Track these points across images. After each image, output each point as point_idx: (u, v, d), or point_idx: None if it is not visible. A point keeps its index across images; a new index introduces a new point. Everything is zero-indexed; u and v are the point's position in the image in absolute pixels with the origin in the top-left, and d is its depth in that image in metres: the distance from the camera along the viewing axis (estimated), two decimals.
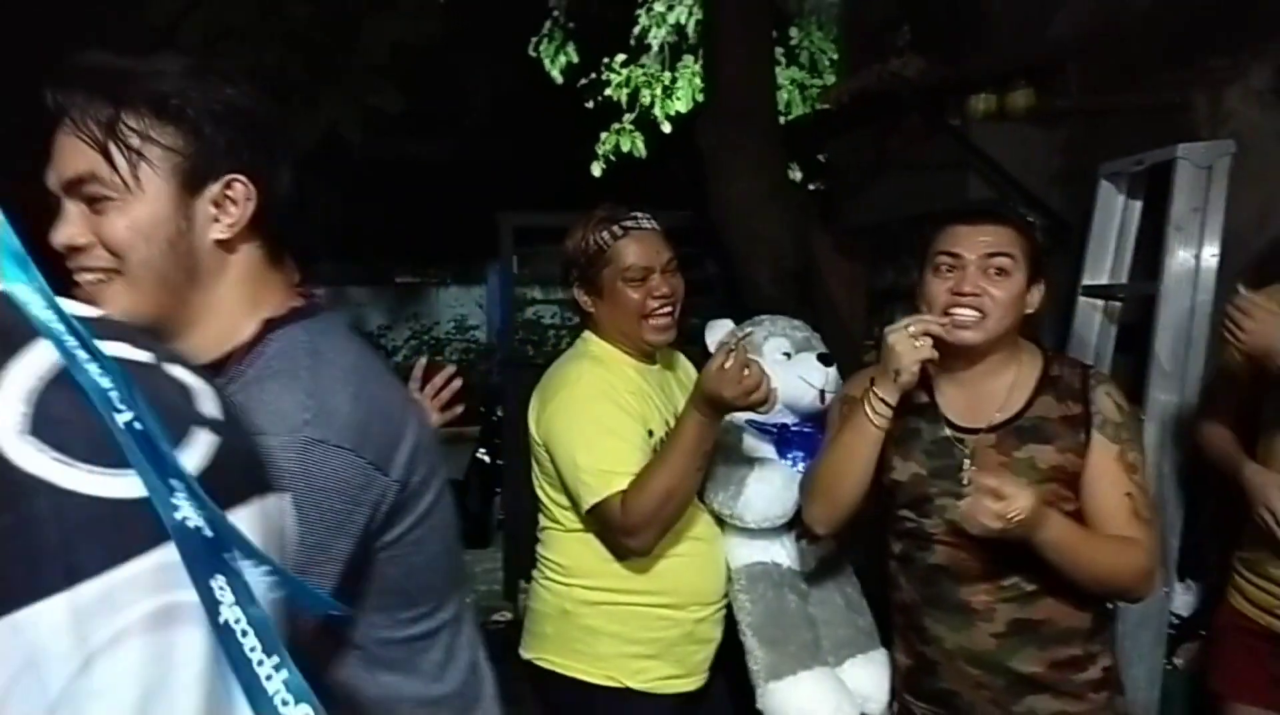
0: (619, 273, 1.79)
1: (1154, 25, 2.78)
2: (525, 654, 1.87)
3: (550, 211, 5.19)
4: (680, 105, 6.97)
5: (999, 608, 1.58)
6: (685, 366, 2.00)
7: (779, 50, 6.65)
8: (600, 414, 1.73)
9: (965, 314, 1.54)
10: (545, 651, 1.84)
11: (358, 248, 12.27)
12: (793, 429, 1.88)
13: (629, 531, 1.67)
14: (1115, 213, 2.73)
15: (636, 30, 7.05)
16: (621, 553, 1.75)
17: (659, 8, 6.90)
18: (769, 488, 1.79)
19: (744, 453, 1.88)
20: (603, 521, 1.71)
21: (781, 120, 4.45)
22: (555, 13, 6.98)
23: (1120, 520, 1.54)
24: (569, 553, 1.81)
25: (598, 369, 1.80)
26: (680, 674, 1.80)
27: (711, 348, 1.90)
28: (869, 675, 1.80)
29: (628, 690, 1.76)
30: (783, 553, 1.84)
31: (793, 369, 1.85)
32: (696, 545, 1.80)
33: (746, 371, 1.56)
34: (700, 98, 3.92)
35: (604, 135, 7.11)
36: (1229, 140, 2.49)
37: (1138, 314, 2.61)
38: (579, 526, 1.78)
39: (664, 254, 1.82)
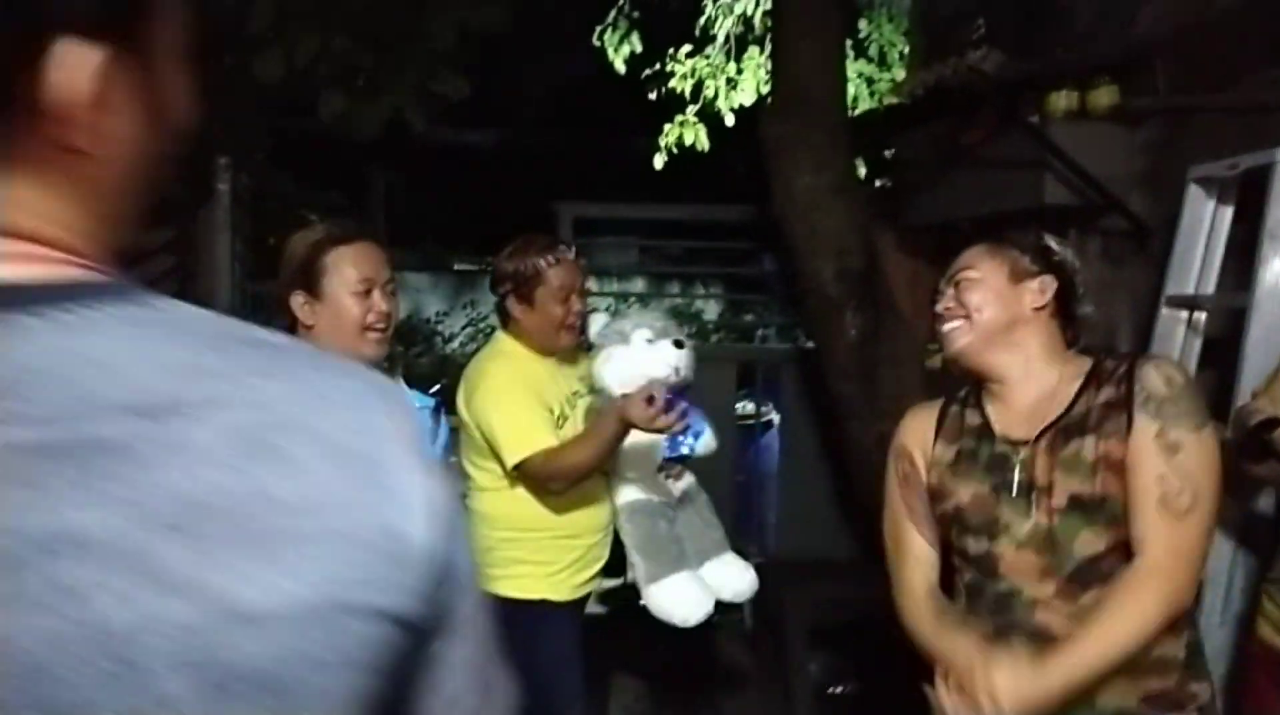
0: (550, 292, 2.34)
1: (1248, 19, 2.64)
2: None
3: (610, 203, 5.15)
4: (745, 98, 6.85)
5: None
6: (581, 359, 2.52)
7: (847, 43, 6.51)
8: (516, 395, 2.30)
9: (949, 326, 1.64)
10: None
11: (418, 234, 12.38)
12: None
13: (551, 481, 2.27)
14: (1204, 219, 2.60)
15: (702, 21, 6.95)
16: (543, 496, 2.33)
17: None
18: (639, 447, 2.35)
19: None
20: (529, 474, 2.26)
21: (848, 114, 4.34)
22: (620, 2, 6.92)
23: (1145, 510, 1.40)
24: (491, 504, 2.36)
25: (510, 362, 2.38)
26: (581, 582, 2.42)
27: (593, 337, 2.46)
28: (720, 571, 2.50)
29: (544, 601, 2.33)
30: (655, 490, 2.46)
31: (654, 351, 2.36)
32: (584, 487, 2.34)
33: (661, 414, 2.08)
34: (765, 91, 3.84)
35: (666, 127, 7.03)
36: None
37: (1225, 327, 2.48)
38: (502, 484, 2.34)
39: (579, 279, 2.43)
